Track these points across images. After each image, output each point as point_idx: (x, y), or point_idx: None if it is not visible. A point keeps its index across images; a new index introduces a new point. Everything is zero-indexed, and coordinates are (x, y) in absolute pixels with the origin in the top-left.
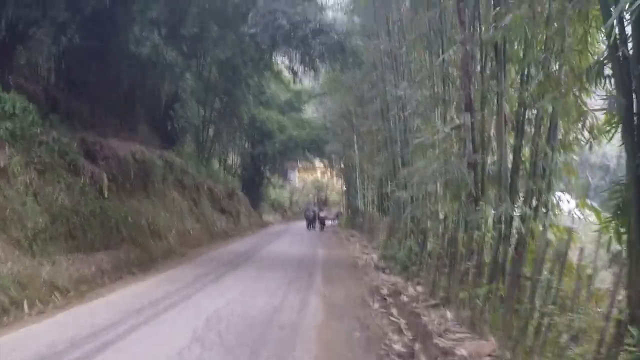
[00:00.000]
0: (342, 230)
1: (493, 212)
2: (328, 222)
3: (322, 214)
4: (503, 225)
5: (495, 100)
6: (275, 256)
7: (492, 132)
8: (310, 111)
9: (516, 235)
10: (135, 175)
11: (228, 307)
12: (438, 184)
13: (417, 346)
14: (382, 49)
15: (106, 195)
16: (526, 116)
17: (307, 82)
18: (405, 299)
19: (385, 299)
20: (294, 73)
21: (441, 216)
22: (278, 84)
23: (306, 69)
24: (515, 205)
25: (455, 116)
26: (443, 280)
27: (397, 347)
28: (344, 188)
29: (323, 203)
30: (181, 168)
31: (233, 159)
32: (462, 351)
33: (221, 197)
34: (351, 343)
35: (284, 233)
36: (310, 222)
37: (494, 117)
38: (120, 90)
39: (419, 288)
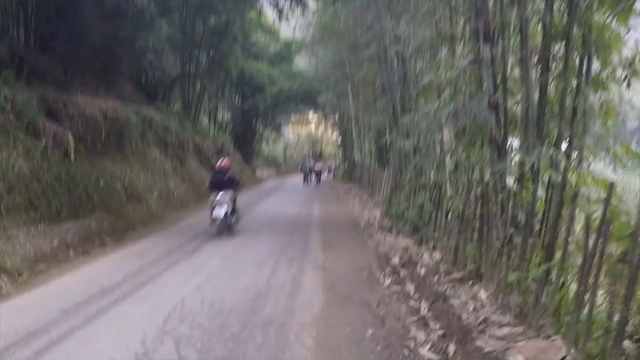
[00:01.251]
0: (339, 184)
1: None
2: (324, 175)
3: (317, 168)
4: (552, 176)
5: (518, 30)
6: (267, 216)
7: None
8: (302, 63)
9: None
10: (108, 135)
11: (198, 295)
12: (448, 131)
13: (451, 349)
14: None
15: (73, 159)
16: (553, 49)
17: (297, 30)
18: (422, 270)
19: (397, 271)
20: (279, 11)
21: (451, 166)
22: (267, 34)
23: (293, 3)
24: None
25: (465, 53)
26: (469, 248)
27: (427, 353)
28: (340, 140)
29: (318, 156)
30: (163, 125)
31: (224, 114)
32: (518, 358)
33: (210, 154)
34: (363, 349)
35: (278, 189)
36: (307, 176)
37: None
38: (91, 44)
39: (437, 254)
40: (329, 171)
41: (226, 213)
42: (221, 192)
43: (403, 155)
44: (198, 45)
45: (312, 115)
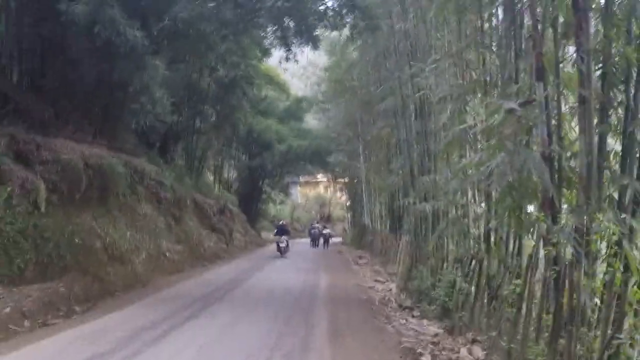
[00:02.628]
0: (348, 250)
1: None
2: (332, 240)
3: (326, 232)
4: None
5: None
6: (266, 287)
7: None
8: (312, 121)
9: None
10: (89, 185)
11: None
12: (478, 192)
13: None
14: (396, 30)
15: (43, 210)
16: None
17: (308, 87)
18: None
19: None
20: (287, 45)
21: (482, 235)
22: (276, 89)
23: (302, 41)
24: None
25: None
26: (535, 351)
27: None
28: (349, 203)
29: (326, 219)
30: (157, 179)
31: (229, 172)
32: None
33: (211, 213)
34: None
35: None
36: (315, 240)
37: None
38: (83, 85)
39: (478, 352)
40: (331, 236)
41: (285, 246)
42: (284, 236)
43: (421, 220)
44: (204, 97)
45: (321, 177)
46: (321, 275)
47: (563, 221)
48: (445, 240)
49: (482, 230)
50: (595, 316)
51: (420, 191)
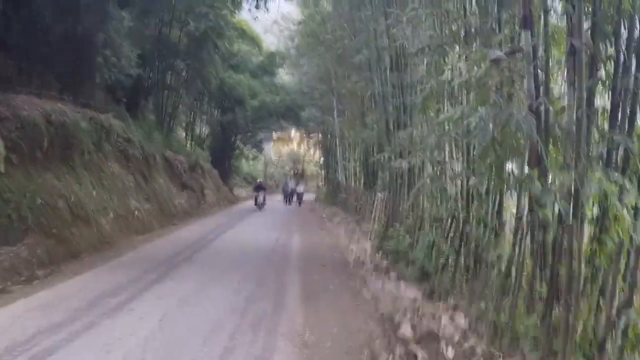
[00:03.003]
0: (322, 207)
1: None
2: (305, 197)
3: (299, 189)
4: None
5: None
6: (236, 247)
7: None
8: (285, 77)
9: None
10: (51, 143)
11: None
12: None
13: None
14: None
15: (2, 169)
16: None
17: (281, 41)
18: (449, 351)
19: (412, 352)
20: None
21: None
22: (249, 43)
23: None
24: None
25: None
26: (527, 322)
27: None
28: (322, 160)
29: (300, 176)
30: (125, 136)
31: (202, 129)
32: None
33: (182, 170)
34: None
35: (256, 210)
36: (288, 197)
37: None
38: (49, 40)
39: (461, 319)
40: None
41: (262, 201)
42: (261, 192)
43: (397, 177)
44: (174, 51)
45: (294, 133)
46: (294, 233)
47: (550, 180)
48: (423, 198)
49: (460, 188)
50: (590, 286)
51: (396, 147)
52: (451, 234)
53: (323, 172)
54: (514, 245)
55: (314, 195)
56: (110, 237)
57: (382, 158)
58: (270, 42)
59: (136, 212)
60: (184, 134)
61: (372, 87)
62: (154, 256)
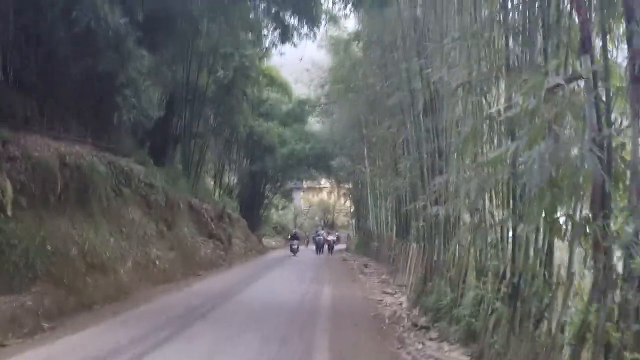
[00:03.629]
0: (353, 257)
1: None
2: (337, 247)
3: (330, 238)
4: None
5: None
6: (261, 301)
7: None
8: (315, 126)
9: None
10: (66, 186)
11: None
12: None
13: None
14: (404, 18)
15: (10, 213)
16: None
17: (311, 89)
18: None
19: None
20: (281, 23)
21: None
22: (278, 90)
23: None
24: None
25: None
26: None
27: None
28: (352, 209)
29: (330, 226)
30: (147, 181)
31: (230, 177)
32: None
33: (209, 218)
34: None
35: (284, 261)
36: (319, 247)
37: None
38: (68, 79)
39: None
40: (337, 241)
41: (297, 248)
42: (295, 240)
43: (432, 226)
44: (202, 98)
45: (324, 182)
46: (324, 286)
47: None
48: (466, 249)
49: (505, 238)
50: None
51: (431, 194)
52: (503, 289)
53: (353, 221)
54: (586, 305)
55: (344, 246)
56: (128, 287)
57: (416, 206)
58: (301, 92)
59: (157, 261)
60: (212, 183)
61: (405, 132)
62: (171, 309)
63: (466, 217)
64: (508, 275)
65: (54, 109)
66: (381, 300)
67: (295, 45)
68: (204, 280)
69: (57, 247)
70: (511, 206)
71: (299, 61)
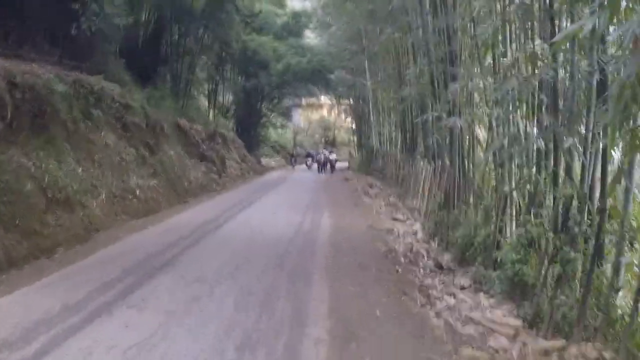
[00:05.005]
0: (356, 176)
1: None
2: (338, 165)
3: (331, 157)
4: None
5: None
6: (247, 236)
7: None
8: (312, 39)
9: None
10: (17, 111)
11: None
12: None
13: None
14: None
15: None
16: None
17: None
18: None
19: None
20: None
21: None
22: (272, 3)
23: None
24: None
25: None
26: None
27: None
28: (354, 126)
29: (331, 144)
30: (121, 101)
31: (224, 96)
32: None
33: (199, 140)
34: None
35: (282, 182)
36: (321, 166)
37: None
38: None
39: None
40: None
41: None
42: (309, 158)
43: (455, 141)
44: (189, 12)
45: (324, 99)
46: (323, 211)
47: None
48: (506, 169)
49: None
50: None
51: (445, 103)
52: (571, 229)
53: (355, 138)
54: None
55: (346, 164)
56: (101, 223)
57: (427, 118)
58: (297, 4)
59: (137, 191)
60: (206, 104)
61: (412, 36)
62: (133, 254)
63: (480, 131)
64: (575, 207)
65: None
66: (391, 230)
67: None
68: (189, 210)
69: (7, 182)
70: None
71: None
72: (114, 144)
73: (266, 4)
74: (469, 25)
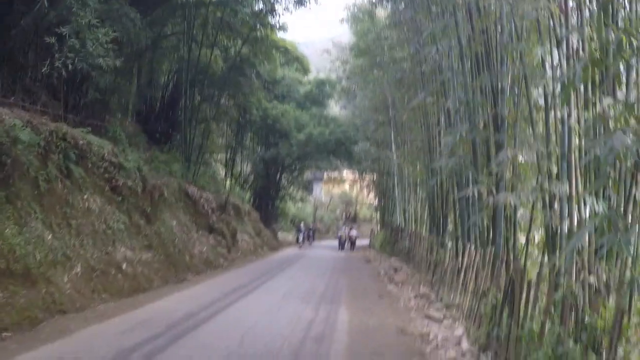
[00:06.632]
0: (378, 257)
1: None
2: (358, 242)
3: (352, 233)
4: None
5: None
6: (241, 339)
7: None
8: (336, 110)
9: None
10: None
11: None
12: None
13: None
14: None
15: None
16: None
17: (331, 71)
18: None
19: None
20: None
21: None
22: (295, 70)
23: None
24: None
25: None
26: None
27: None
28: (377, 202)
29: (352, 220)
30: (112, 160)
31: (242, 165)
32: None
33: (209, 210)
34: None
35: (297, 260)
36: (342, 244)
37: None
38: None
39: None
40: (357, 237)
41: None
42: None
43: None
44: (204, 74)
45: (346, 173)
46: (340, 304)
47: None
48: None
49: None
50: None
51: (488, 176)
52: None
53: (378, 215)
54: None
55: (367, 241)
56: (71, 303)
57: (474, 193)
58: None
59: (124, 265)
60: (223, 172)
61: (450, 97)
62: (132, 335)
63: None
64: None
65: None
66: (427, 336)
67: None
68: (183, 291)
69: None
70: None
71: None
72: (99, 209)
73: (290, 71)
74: (521, 82)
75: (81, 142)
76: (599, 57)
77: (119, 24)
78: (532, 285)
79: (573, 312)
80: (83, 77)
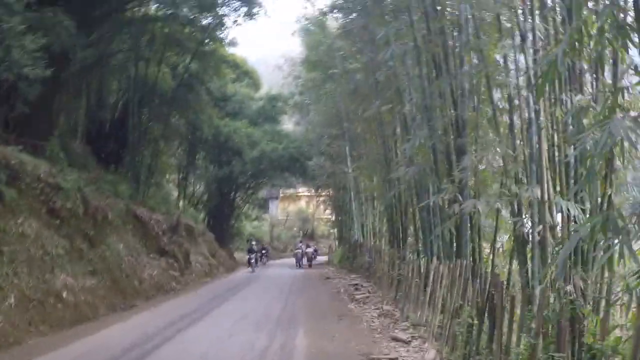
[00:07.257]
0: (337, 274)
1: None
2: (317, 259)
3: (309, 250)
4: None
5: None
6: None
7: None
8: (288, 124)
9: None
10: None
11: None
12: None
13: None
14: None
15: None
16: None
17: (282, 84)
18: None
19: None
20: None
21: None
22: (246, 86)
23: None
24: None
25: None
26: None
27: None
28: (334, 218)
29: (309, 237)
30: (49, 180)
31: (195, 185)
32: None
33: (160, 231)
34: None
35: (253, 281)
36: (298, 261)
37: None
38: None
39: None
40: (315, 253)
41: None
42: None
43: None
44: (152, 92)
45: (302, 190)
46: (298, 328)
47: None
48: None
49: None
50: None
51: (454, 184)
52: None
53: (335, 231)
54: None
55: (326, 258)
56: (3, 337)
57: (436, 201)
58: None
59: (65, 293)
60: (175, 194)
61: (408, 102)
62: None
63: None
64: None
65: None
66: None
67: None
68: (132, 318)
69: None
70: None
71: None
72: (35, 234)
73: (241, 87)
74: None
75: (13, 161)
76: (578, 39)
77: (52, 32)
78: (517, 303)
79: (570, 333)
80: (9, 88)
